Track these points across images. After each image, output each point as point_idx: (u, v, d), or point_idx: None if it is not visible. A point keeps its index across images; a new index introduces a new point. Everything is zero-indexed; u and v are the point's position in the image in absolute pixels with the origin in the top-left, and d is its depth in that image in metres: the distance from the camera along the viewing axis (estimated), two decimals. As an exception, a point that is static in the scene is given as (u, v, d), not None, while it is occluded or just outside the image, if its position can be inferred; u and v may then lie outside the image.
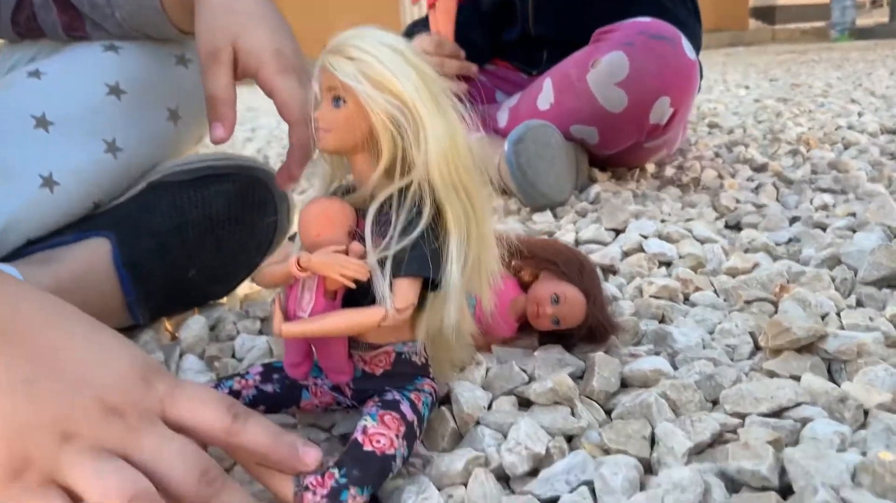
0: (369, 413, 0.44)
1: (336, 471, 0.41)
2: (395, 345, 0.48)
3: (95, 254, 0.65)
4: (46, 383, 0.36)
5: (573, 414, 0.54)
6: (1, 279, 0.40)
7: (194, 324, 0.71)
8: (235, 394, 0.51)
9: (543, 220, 1.05)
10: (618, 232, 0.97)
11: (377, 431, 0.43)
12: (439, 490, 0.46)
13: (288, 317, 0.45)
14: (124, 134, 0.69)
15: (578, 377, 0.59)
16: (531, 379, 0.59)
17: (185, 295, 0.72)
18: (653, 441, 0.49)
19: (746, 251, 0.87)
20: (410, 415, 0.45)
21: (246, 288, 0.83)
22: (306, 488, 0.40)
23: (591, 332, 0.62)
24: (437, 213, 0.45)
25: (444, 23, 1.23)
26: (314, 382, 0.51)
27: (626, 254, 0.87)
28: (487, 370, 0.60)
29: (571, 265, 0.62)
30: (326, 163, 0.49)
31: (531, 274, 0.64)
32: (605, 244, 0.92)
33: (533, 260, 0.64)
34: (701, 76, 1.36)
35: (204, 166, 0.72)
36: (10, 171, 0.63)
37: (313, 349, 0.49)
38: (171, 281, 0.69)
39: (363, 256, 0.44)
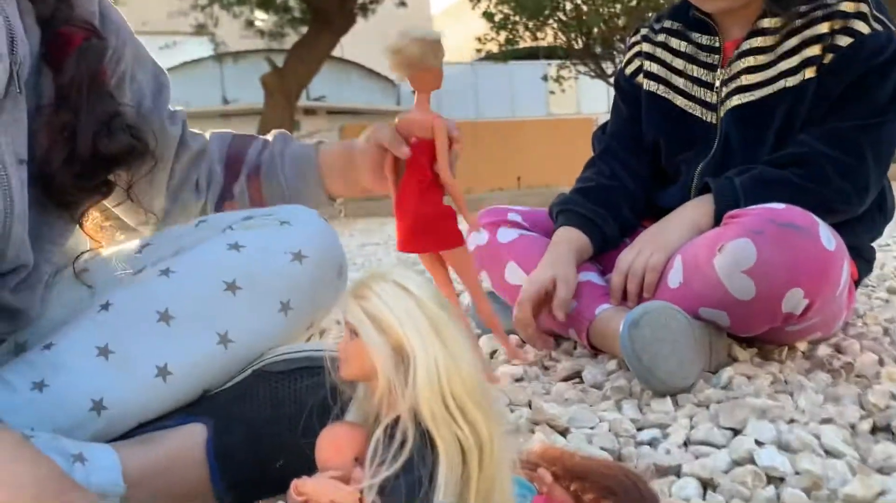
0: None
1: None
2: None
3: (190, 440, 0.71)
4: None
5: None
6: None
7: None
8: None
9: (660, 410, 1.00)
10: (735, 432, 0.90)
11: None
12: None
13: None
14: (237, 327, 0.77)
15: None
16: None
17: (271, 482, 0.75)
18: None
19: (880, 470, 0.78)
20: None
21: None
22: None
23: (652, 572, 0.58)
24: (431, 443, 0.47)
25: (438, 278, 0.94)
26: None
27: (735, 464, 0.81)
28: None
29: (630, 496, 0.59)
30: (358, 398, 0.53)
31: (593, 500, 0.61)
32: (717, 447, 0.86)
33: (593, 485, 0.61)
34: (869, 269, 1.28)
35: (301, 357, 0.77)
36: (128, 361, 0.72)
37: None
38: (259, 470, 0.73)
39: None
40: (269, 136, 1.03)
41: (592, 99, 14.37)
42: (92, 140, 0.74)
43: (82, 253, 0.85)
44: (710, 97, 1.33)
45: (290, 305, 0.80)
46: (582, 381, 1.17)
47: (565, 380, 1.18)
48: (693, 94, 1.35)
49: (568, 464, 0.63)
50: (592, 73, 10.97)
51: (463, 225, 0.89)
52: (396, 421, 0.49)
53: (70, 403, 0.69)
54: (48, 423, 0.67)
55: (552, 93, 12.40)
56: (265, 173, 0.99)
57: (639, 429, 0.94)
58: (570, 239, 1.32)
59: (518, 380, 1.20)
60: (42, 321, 0.81)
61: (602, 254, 1.37)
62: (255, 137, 1.03)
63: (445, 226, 0.87)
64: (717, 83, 1.31)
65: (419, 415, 0.48)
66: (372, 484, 0.47)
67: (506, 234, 1.43)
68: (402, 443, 0.48)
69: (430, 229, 0.87)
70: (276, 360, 0.78)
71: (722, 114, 1.30)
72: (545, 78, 11.87)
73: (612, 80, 8.98)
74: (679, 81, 1.37)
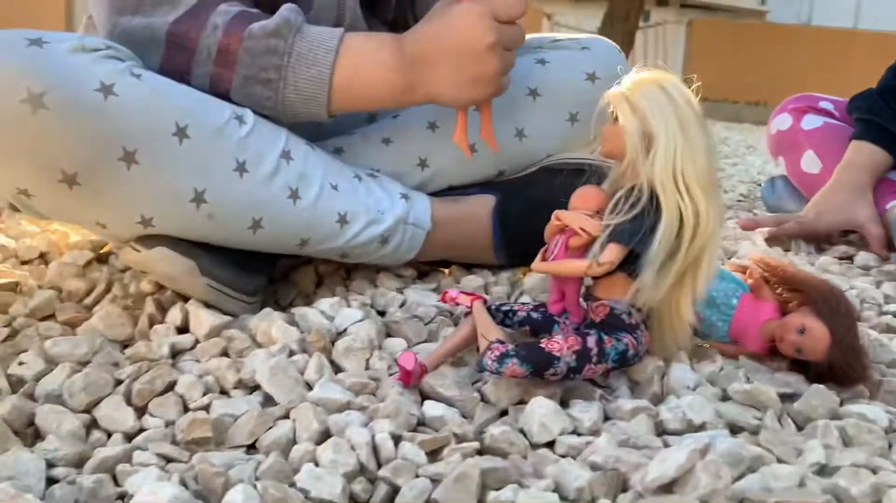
0: (563, 333, 0.61)
1: (513, 346, 0.60)
2: (611, 301, 0.63)
3: (483, 204, 0.92)
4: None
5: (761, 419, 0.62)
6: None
7: (537, 276, 0.93)
8: (513, 312, 0.72)
9: (917, 289, 1.00)
10: None
11: (558, 341, 0.60)
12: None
13: (544, 259, 0.66)
14: (531, 125, 0.94)
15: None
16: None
17: (536, 253, 0.94)
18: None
19: None
20: (591, 344, 0.61)
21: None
22: (489, 348, 0.60)
23: (832, 372, 0.67)
24: (658, 207, 0.60)
25: None
26: (564, 321, 0.69)
27: (973, 340, 0.82)
28: (721, 368, 0.70)
29: (828, 304, 0.67)
30: (612, 175, 0.67)
31: (796, 305, 0.70)
32: (962, 327, 0.87)
33: (800, 293, 0.70)
34: None
35: (581, 162, 0.92)
36: (449, 135, 0.92)
37: (565, 293, 0.68)
38: (528, 240, 0.90)
39: None
40: None
41: None
42: None
43: None
44: None
45: (577, 117, 0.96)
46: (852, 262, 1.18)
47: (838, 258, 1.20)
48: None
49: (780, 272, 0.72)
50: None
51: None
52: (634, 187, 0.63)
53: (405, 157, 0.92)
54: (389, 168, 0.92)
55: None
56: None
57: (888, 303, 0.96)
58: (864, 165, 1.26)
59: (787, 250, 1.24)
60: None
61: None
62: None
63: None
64: None
65: (652, 184, 0.61)
66: (608, 223, 0.62)
67: (810, 121, 1.42)
68: (636, 202, 0.61)
69: None
70: (559, 161, 0.94)
71: None
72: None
73: None
74: None
